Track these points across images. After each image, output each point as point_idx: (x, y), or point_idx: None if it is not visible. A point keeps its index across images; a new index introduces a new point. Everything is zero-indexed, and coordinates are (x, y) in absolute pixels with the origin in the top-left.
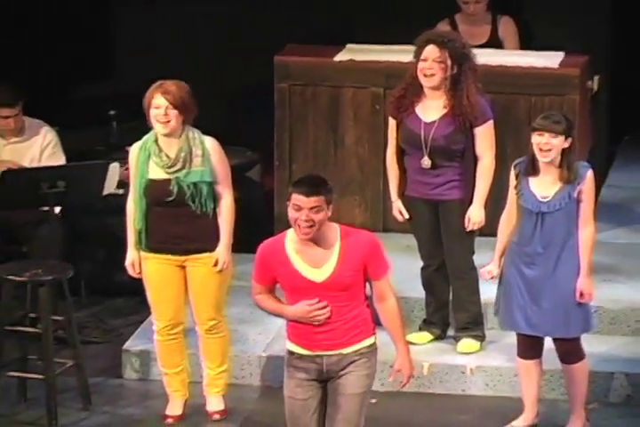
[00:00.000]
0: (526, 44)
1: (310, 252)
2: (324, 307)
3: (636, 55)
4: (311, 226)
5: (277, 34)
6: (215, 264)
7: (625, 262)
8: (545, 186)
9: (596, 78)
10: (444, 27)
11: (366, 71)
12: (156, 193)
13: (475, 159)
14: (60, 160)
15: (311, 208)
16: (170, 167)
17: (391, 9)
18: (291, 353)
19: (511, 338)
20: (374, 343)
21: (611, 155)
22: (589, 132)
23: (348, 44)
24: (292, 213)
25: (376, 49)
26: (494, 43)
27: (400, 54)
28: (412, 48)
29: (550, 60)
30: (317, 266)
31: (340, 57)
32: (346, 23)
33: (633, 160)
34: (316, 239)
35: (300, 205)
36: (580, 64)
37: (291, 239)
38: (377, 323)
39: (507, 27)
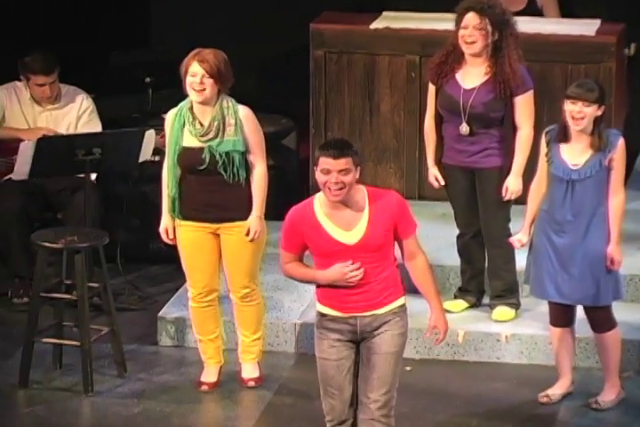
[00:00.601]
0: (564, 11)
1: (340, 215)
2: (359, 268)
3: None
4: (341, 188)
5: (314, 1)
6: (247, 233)
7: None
8: (576, 153)
9: (632, 45)
10: None
11: (402, 39)
12: (188, 161)
13: (513, 128)
14: (97, 127)
15: (340, 171)
16: (203, 136)
17: None
18: (322, 315)
19: (546, 306)
20: (405, 304)
21: None
22: (625, 100)
23: (384, 11)
24: (320, 177)
25: (412, 17)
26: (532, 10)
27: (436, 22)
28: (447, 16)
29: (587, 27)
30: (348, 229)
31: (376, 24)
32: None
33: None
34: (346, 202)
35: (328, 169)
36: (616, 32)
37: (320, 204)
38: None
39: None
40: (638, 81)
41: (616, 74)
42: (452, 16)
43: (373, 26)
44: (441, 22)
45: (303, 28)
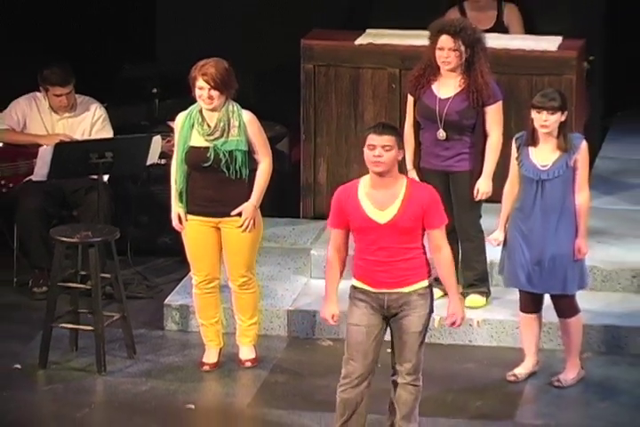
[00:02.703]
0: (528, 29)
1: (378, 195)
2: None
3: (628, 40)
4: (382, 162)
5: (303, 19)
6: (243, 224)
7: (617, 226)
8: (544, 155)
9: (591, 59)
10: (454, 13)
11: (383, 54)
12: (194, 159)
13: (484, 135)
14: (108, 133)
15: (383, 146)
16: (209, 135)
17: None
18: (355, 288)
19: (514, 295)
20: (430, 285)
21: (604, 129)
22: (585, 108)
23: (367, 28)
24: (367, 154)
25: (392, 34)
26: (499, 28)
27: (413, 39)
28: (424, 33)
29: (550, 43)
30: (382, 208)
31: (360, 41)
32: (366, 10)
33: (624, 134)
34: (385, 184)
35: (374, 144)
36: (576, 47)
37: (363, 184)
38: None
39: (511, 13)
40: (596, 91)
41: (576, 85)
42: (428, 33)
43: (358, 42)
44: (418, 39)
45: (295, 43)
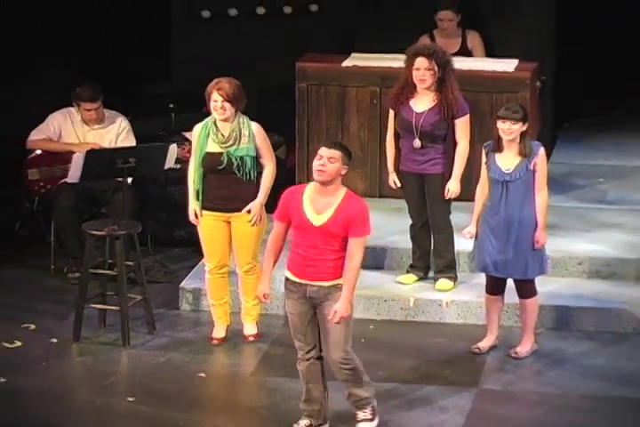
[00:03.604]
0: (488, 52)
1: (318, 200)
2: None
3: (574, 63)
4: (325, 171)
5: (298, 45)
6: (252, 219)
7: (564, 221)
8: (508, 160)
9: (542, 79)
10: (425, 39)
11: (366, 74)
12: (210, 163)
13: (453, 143)
14: (132, 142)
15: (329, 158)
16: (223, 143)
17: (386, 25)
18: (286, 279)
19: (477, 279)
20: None
21: (554, 138)
22: (537, 121)
23: (352, 53)
24: (314, 163)
25: (374, 57)
26: (464, 52)
27: (392, 61)
28: (401, 56)
29: (507, 65)
30: (319, 213)
31: (346, 63)
32: (351, 37)
33: (570, 142)
34: (326, 192)
35: (321, 155)
36: (530, 69)
37: (309, 190)
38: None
39: (474, 39)
40: (546, 105)
41: (530, 101)
42: (404, 57)
43: (344, 64)
44: (395, 62)
45: (291, 65)
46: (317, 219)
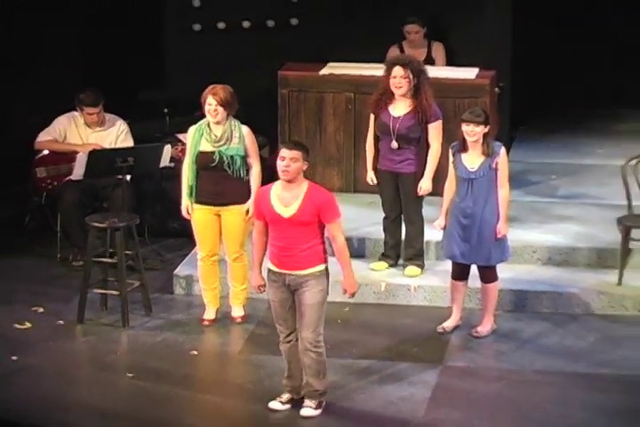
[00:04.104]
0: (452, 62)
1: (285, 195)
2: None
3: (529, 70)
4: (289, 171)
5: (279, 55)
6: (247, 212)
7: (521, 214)
8: (472, 160)
9: (500, 85)
10: (394, 50)
11: (341, 82)
12: (203, 160)
13: (427, 145)
14: (130, 143)
15: (291, 158)
16: (216, 142)
17: (359, 37)
18: (269, 270)
19: (442, 267)
20: (324, 269)
21: (511, 139)
22: (496, 123)
23: (329, 62)
24: (278, 163)
25: (348, 66)
26: (429, 61)
27: (365, 70)
28: (372, 65)
29: (468, 73)
30: (287, 206)
31: (324, 71)
32: (328, 48)
33: (526, 143)
34: (291, 187)
35: (284, 157)
36: (489, 76)
37: (276, 187)
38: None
39: (438, 50)
40: (504, 109)
41: (489, 106)
42: (375, 65)
43: (322, 72)
44: (368, 70)
45: (274, 74)
46: (286, 211)
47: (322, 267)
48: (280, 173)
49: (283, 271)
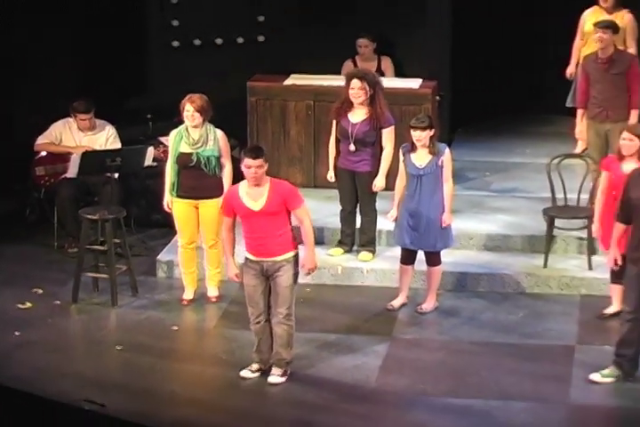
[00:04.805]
0: (398, 73)
1: (252, 192)
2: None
3: (467, 80)
4: (257, 177)
5: (248, 68)
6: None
7: (459, 206)
8: (420, 158)
9: (441, 94)
10: (348, 64)
11: (302, 91)
12: (183, 161)
13: (380, 148)
14: (118, 145)
15: (257, 166)
16: (193, 145)
17: (318, 52)
18: (247, 259)
19: (391, 253)
20: (296, 255)
21: (450, 140)
22: (437, 127)
23: (292, 74)
24: (244, 170)
25: (308, 77)
26: (379, 73)
27: (323, 80)
28: (330, 77)
29: (413, 83)
30: (255, 200)
31: (287, 82)
32: (291, 61)
33: (463, 144)
34: (257, 185)
35: (250, 165)
36: (431, 86)
37: (242, 186)
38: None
39: (386, 63)
40: (444, 115)
41: (432, 111)
42: (332, 77)
43: (285, 83)
44: (326, 80)
45: (243, 84)
46: (256, 205)
47: (293, 253)
48: (250, 180)
49: (260, 259)
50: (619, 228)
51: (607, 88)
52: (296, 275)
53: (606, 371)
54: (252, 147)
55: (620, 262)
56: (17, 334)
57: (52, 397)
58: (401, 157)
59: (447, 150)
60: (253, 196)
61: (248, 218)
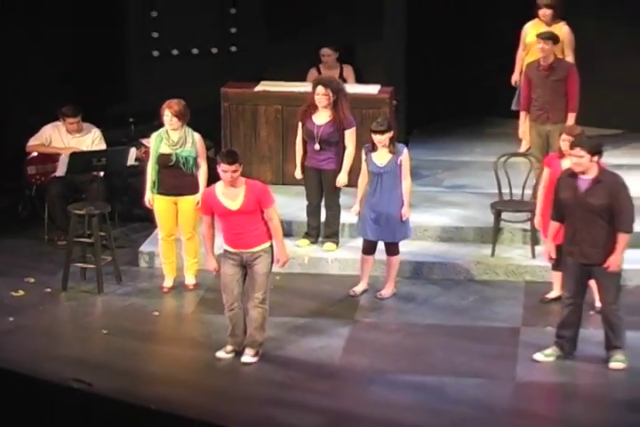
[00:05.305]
0: (358, 80)
1: (229, 192)
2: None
3: (421, 86)
4: (234, 180)
5: (222, 76)
6: (197, 203)
7: (414, 200)
8: (381, 158)
9: (398, 98)
10: (313, 71)
11: (272, 96)
12: (163, 161)
13: (343, 147)
14: (103, 146)
15: (233, 171)
16: (173, 146)
17: (286, 61)
18: (227, 251)
19: (354, 243)
20: (270, 246)
21: (407, 141)
22: (396, 129)
23: (262, 81)
24: (221, 173)
25: (277, 84)
26: (341, 78)
27: (291, 87)
28: (298, 84)
29: (372, 89)
30: (233, 200)
31: (258, 88)
32: (261, 69)
33: (418, 144)
34: (233, 186)
35: (226, 170)
36: (388, 91)
37: (219, 186)
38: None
39: (347, 71)
40: (401, 117)
41: (389, 114)
42: (299, 83)
43: (256, 89)
44: (293, 87)
45: (217, 90)
46: (233, 205)
47: (269, 244)
48: (226, 183)
49: (239, 251)
50: (553, 225)
51: (547, 93)
52: (271, 263)
53: (548, 351)
54: (227, 152)
55: (554, 256)
56: (11, 319)
57: (43, 376)
58: (363, 157)
59: (405, 150)
60: (230, 196)
61: (226, 216)
